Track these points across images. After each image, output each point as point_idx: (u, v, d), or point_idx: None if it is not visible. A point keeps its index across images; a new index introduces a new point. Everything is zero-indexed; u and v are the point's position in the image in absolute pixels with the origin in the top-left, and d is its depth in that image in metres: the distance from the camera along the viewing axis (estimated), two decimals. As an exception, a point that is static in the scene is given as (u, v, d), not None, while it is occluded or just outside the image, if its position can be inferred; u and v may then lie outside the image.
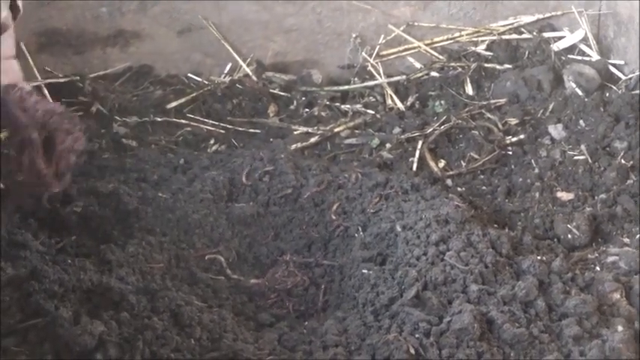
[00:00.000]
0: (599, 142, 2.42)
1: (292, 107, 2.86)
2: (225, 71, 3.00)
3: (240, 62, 2.98)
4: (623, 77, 2.78)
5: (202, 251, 2.06)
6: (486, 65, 2.92)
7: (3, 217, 1.86)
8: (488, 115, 2.67)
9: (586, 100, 2.63)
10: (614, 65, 2.84)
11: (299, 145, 2.56)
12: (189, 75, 2.97)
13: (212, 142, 2.62)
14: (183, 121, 2.70)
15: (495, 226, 2.13)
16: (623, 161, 2.32)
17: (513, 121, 2.62)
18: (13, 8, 1.82)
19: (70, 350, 1.51)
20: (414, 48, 3.03)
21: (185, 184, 2.25)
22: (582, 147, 2.41)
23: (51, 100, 1.76)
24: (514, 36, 3.02)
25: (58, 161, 1.74)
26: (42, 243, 1.82)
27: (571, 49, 2.96)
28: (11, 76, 1.76)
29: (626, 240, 2.06)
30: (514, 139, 2.54)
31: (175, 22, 2.93)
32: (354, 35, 3.02)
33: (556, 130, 2.54)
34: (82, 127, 1.82)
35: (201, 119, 2.73)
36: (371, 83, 2.92)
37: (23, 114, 1.65)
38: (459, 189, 2.36)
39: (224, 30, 2.96)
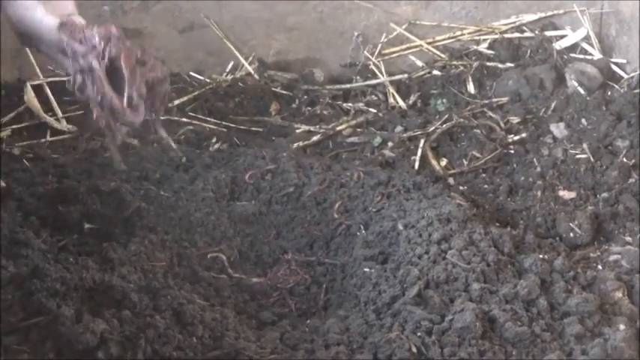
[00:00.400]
0: (601, 141, 2.42)
1: (294, 106, 2.85)
2: (227, 70, 3.00)
3: (242, 61, 2.98)
4: (626, 76, 2.78)
5: (204, 250, 2.06)
6: (488, 64, 2.92)
7: (4, 216, 1.86)
8: (490, 113, 2.67)
9: (588, 98, 2.63)
10: (616, 64, 2.84)
11: (301, 143, 2.56)
12: (191, 73, 2.97)
13: (214, 140, 2.61)
14: (185, 119, 2.70)
15: (497, 224, 2.13)
16: (625, 160, 2.32)
17: (515, 119, 2.62)
18: None
19: (71, 348, 1.50)
20: (416, 46, 3.03)
21: (187, 183, 2.25)
22: (584, 146, 2.41)
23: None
24: (516, 34, 3.02)
25: (129, 88, 1.70)
26: (44, 241, 1.82)
27: (573, 47, 2.96)
28: (61, 10, 1.75)
29: (628, 239, 2.06)
30: (516, 138, 2.53)
31: (177, 21, 2.93)
32: (356, 34, 3.02)
33: (558, 129, 2.54)
34: (160, 58, 1.78)
35: (203, 118, 2.72)
36: (373, 82, 2.92)
37: (80, 45, 1.64)
38: (460, 187, 2.36)
39: (226, 28, 2.96)
